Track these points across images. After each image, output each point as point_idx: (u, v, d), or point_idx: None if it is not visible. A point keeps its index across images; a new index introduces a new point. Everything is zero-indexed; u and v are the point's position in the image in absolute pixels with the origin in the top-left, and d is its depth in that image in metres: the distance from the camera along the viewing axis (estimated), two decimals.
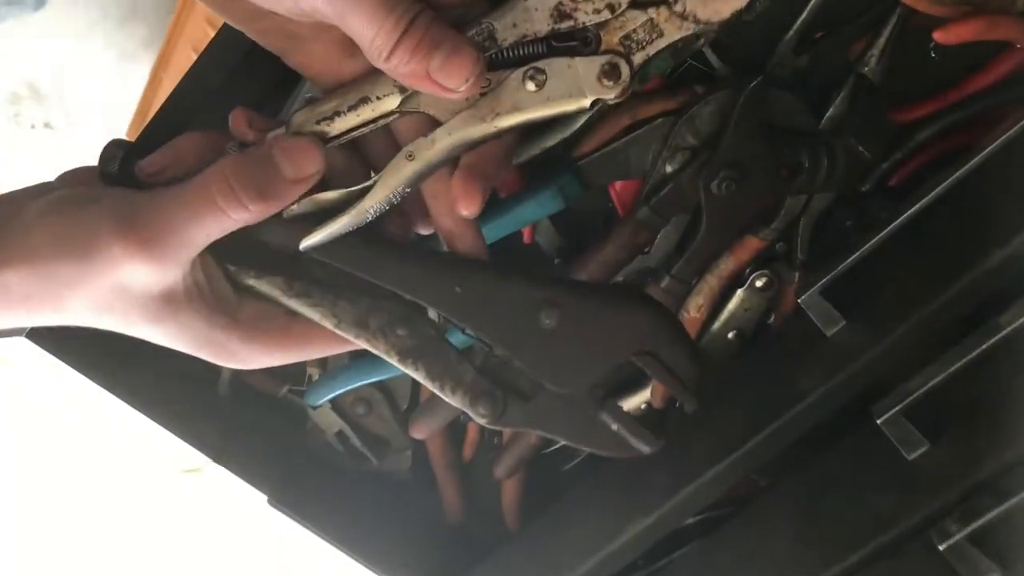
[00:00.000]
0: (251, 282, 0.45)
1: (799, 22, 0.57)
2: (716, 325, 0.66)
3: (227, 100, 0.53)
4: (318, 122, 0.42)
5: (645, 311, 0.43)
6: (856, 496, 0.52)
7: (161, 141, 0.45)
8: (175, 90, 0.51)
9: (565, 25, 0.40)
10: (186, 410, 0.66)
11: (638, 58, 0.40)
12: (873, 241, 0.52)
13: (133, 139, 1.35)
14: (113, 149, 0.44)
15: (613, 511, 0.60)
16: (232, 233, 0.42)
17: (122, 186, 0.43)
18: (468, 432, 0.73)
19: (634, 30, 0.40)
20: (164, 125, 0.51)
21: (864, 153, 0.58)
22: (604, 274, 0.62)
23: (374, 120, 0.42)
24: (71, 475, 1.37)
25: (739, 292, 0.65)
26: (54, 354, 0.60)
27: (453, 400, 0.44)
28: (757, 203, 0.60)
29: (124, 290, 0.41)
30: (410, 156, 0.42)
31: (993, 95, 0.58)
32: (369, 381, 0.67)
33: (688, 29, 0.39)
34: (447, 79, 0.39)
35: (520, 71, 0.40)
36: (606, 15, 0.40)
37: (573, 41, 0.40)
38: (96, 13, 1.44)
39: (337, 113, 0.42)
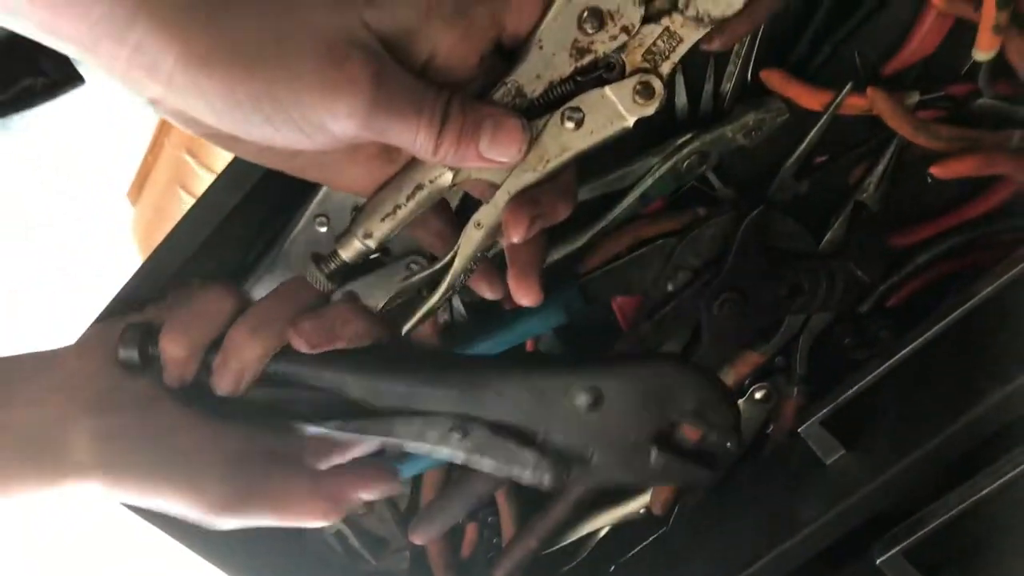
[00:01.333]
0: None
1: (801, 148, 0.58)
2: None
3: (236, 226, 0.53)
4: (382, 219, 0.43)
5: (684, 374, 0.46)
6: None
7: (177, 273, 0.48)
8: (183, 220, 0.51)
9: (586, 60, 0.41)
10: None
11: (666, 67, 0.41)
12: (873, 375, 0.53)
13: (134, 202, 1.33)
14: (131, 334, 0.46)
15: None
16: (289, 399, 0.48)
17: (145, 377, 0.46)
18: (466, 532, 0.73)
19: (654, 43, 0.40)
20: (174, 257, 0.52)
21: (862, 277, 0.59)
22: None
23: (430, 200, 0.44)
24: None
25: (739, 403, 0.65)
26: None
27: (525, 480, 0.47)
28: (757, 323, 0.60)
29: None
30: (478, 225, 0.43)
31: (989, 222, 0.59)
32: None
33: (705, 28, 0.40)
34: (499, 155, 0.40)
35: (556, 114, 0.41)
36: (623, 38, 0.40)
37: (598, 71, 0.41)
38: (95, 73, 1.45)
39: (397, 207, 0.43)
